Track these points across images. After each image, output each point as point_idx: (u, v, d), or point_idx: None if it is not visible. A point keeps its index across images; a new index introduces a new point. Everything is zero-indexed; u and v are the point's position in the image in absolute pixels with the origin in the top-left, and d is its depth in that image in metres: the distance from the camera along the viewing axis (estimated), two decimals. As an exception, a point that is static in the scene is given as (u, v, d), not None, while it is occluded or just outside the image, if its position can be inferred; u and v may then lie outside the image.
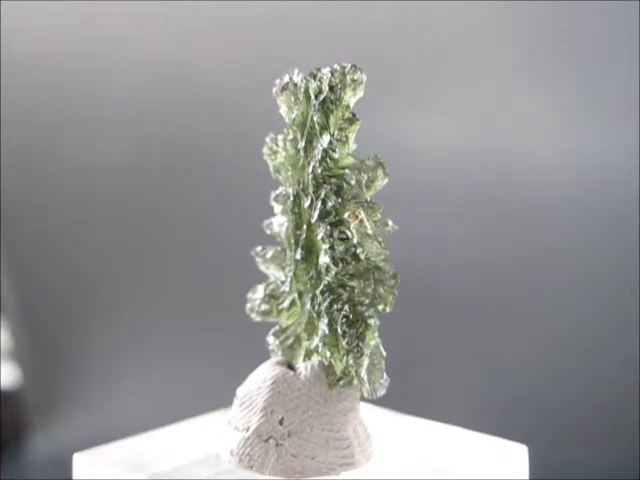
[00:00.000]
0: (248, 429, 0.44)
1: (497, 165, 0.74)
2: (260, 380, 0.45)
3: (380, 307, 0.44)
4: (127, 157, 0.78)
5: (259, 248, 0.47)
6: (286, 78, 0.45)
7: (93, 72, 0.77)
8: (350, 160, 0.44)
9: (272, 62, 0.73)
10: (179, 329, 0.80)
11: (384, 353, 0.44)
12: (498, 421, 0.75)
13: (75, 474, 0.47)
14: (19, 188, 0.79)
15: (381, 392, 0.44)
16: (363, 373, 0.44)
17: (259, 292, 0.47)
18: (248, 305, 0.48)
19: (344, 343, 0.44)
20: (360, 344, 0.43)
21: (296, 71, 0.45)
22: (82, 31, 0.76)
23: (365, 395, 0.44)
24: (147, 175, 0.78)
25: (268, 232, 0.47)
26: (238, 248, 0.78)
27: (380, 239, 0.44)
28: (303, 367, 0.45)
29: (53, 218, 0.80)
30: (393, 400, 0.50)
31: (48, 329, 0.83)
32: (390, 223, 0.44)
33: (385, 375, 0.44)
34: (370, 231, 0.44)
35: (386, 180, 0.44)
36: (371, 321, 0.44)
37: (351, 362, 0.44)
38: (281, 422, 0.44)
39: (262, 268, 0.47)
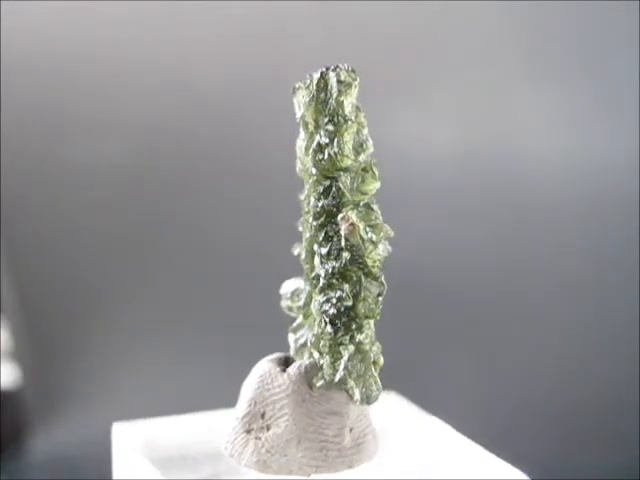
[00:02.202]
0: (237, 418, 0.45)
1: (497, 166, 0.74)
2: (254, 372, 0.46)
3: (363, 312, 0.43)
4: (128, 158, 0.78)
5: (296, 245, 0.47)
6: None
7: (93, 73, 0.77)
8: (347, 162, 0.44)
9: (274, 64, 0.73)
10: (180, 329, 0.80)
11: (375, 359, 0.44)
12: (498, 421, 0.75)
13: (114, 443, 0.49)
14: (19, 188, 0.79)
15: (373, 400, 0.44)
16: (338, 378, 0.43)
17: (283, 288, 0.47)
18: None
19: (320, 345, 0.44)
20: (338, 348, 0.43)
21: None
22: (83, 32, 0.76)
23: (357, 401, 0.44)
24: (147, 176, 0.78)
25: (300, 229, 0.47)
26: (238, 249, 0.79)
27: (375, 244, 0.44)
28: (293, 365, 0.45)
29: (53, 218, 0.80)
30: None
31: (48, 329, 0.83)
32: (385, 228, 0.44)
33: (378, 383, 0.44)
34: (364, 235, 0.43)
35: (377, 184, 0.44)
36: (354, 326, 0.43)
37: (326, 365, 0.44)
38: (262, 416, 0.44)
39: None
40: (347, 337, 0.43)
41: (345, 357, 0.43)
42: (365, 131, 0.45)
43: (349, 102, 0.44)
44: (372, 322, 0.44)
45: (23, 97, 0.78)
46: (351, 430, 0.44)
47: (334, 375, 0.43)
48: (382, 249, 0.44)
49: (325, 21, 0.74)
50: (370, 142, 0.44)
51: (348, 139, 0.44)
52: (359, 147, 0.44)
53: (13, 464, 0.81)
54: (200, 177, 0.78)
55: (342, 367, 0.43)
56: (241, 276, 0.79)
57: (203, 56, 0.76)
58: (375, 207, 0.44)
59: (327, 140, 0.44)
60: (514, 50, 0.71)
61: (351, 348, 0.43)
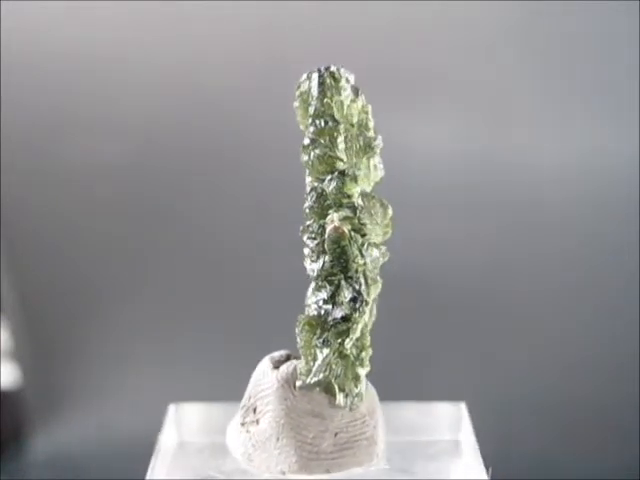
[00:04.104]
0: (239, 409, 0.46)
1: (497, 165, 0.74)
2: (256, 369, 0.46)
3: (340, 316, 0.43)
4: (128, 158, 0.78)
5: None
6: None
7: (94, 73, 0.77)
8: (338, 165, 0.44)
9: (275, 64, 0.73)
10: (180, 329, 0.80)
11: (359, 364, 0.44)
12: (497, 420, 0.75)
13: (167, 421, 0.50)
14: (19, 188, 0.79)
15: (355, 406, 0.44)
16: (312, 380, 0.43)
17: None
18: None
19: (298, 346, 0.44)
20: (314, 350, 0.43)
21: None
22: (83, 32, 0.76)
23: (341, 404, 0.44)
24: (148, 176, 0.78)
25: None
26: (240, 249, 0.79)
27: (359, 249, 0.43)
28: (285, 364, 0.45)
29: (53, 218, 0.80)
30: (392, 400, 0.50)
31: (48, 329, 0.83)
32: (369, 234, 0.44)
33: (360, 388, 0.44)
34: (350, 239, 0.43)
35: (357, 188, 0.43)
36: (331, 329, 0.43)
37: (301, 366, 0.44)
38: (254, 410, 0.45)
39: None
40: (321, 340, 0.43)
41: (319, 360, 0.43)
42: (370, 133, 0.44)
43: (339, 103, 0.43)
44: (359, 327, 0.44)
45: (23, 97, 0.78)
46: (336, 434, 0.44)
47: (306, 377, 0.44)
48: (373, 254, 0.44)
49: (326, 21, 0.74)
50: (378, 144, 0.44)
51: (340, 141, 0.44)
52: (361, 151, 0.44)
53: (13, 464, 0.81)
54: (200, 177, 0.78)
55: (315, 369, 0.43)
56: (243, 276, 0.79)
57: (203, 56, 0.76)
58: (361, 212, 0.44)
59: (308, 141, 0.44)
60: (515, 49, 0.71)
61: (325, 351, 0.43)
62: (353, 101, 0.44)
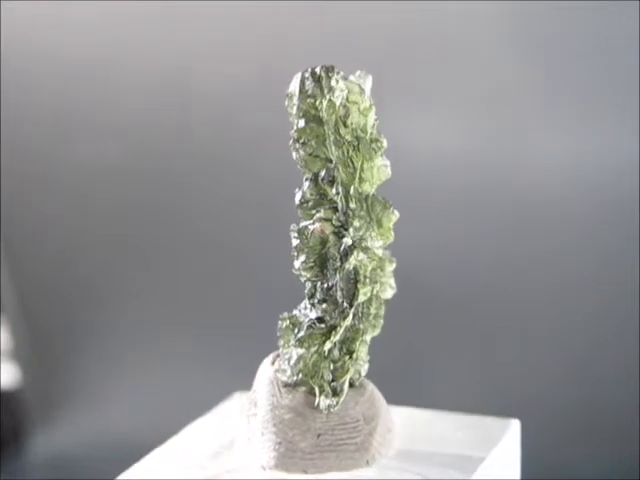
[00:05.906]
0: None
1: (497, 165, 0.74)
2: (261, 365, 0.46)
3: (315, 316, 0.43)
4: (127, 158, 0.78)
5: None
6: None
7: (94, 74, 0.77)
8: (329, 166, 0.43)
9: (274, 65, 0.73)
10: (180, 329, 0.80)
11: (339, 367, 0.44)
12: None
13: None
14: (19, 188, 0.79)
15: (332, 408, 0.43)
16: (289, 379, 0.43)
17: None
18: None
19: (279, 344, 0.44)
20: (290, 350, 0.43)
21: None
22: (83, 33, 0.76)
23: (320, 406, 0.43)
24: (147, 176, 0.78)
25: None
26: (239, 249, 0.79)
27: (338, 251, 0.43)
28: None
29: (53, 218, 0.80)
30: (391, 401, 0.50)
31: (48, 329, 0.83)
32: (345, 240, 0.43)
33: (338, 392, 0.43)
34: (331, 241, 0.43)
35: (332, 190, 0.43)
36: (307, 330, 0.43)
37: (280, 364, 0.44)
38: (255, 404, 0.45)
39: None
40: (296, 339, 0.43)
41: (293, 359, 0.43)
42: (368, 135, 0.43)
43: (329, 103, 0.43)
44: (340, 330, 0.43)
45: (24, 98, 0.78)
46: (319, 436, 0.44)
47: (283, 375, 0.44)
48: (359, 257, 0.43)
49: (326, 21, 0.74)
50: (378, 146, 0.43)
51: (328, 142, 0.43)
52: (357, 152, 0.44)
53: (13, 464, 0.82)
54: (200, 178, 0.78)
55: (290, 368, 0.43)
56: (243, 276, 0.79)
57: (202, 57, 0.76)
58: (344, 214, 0.43)
59: (291, 141, 0.43)
60: (515, 50, 0.72)
61: (300, 351, 0.43)
62: (353, 102, 0.43)
